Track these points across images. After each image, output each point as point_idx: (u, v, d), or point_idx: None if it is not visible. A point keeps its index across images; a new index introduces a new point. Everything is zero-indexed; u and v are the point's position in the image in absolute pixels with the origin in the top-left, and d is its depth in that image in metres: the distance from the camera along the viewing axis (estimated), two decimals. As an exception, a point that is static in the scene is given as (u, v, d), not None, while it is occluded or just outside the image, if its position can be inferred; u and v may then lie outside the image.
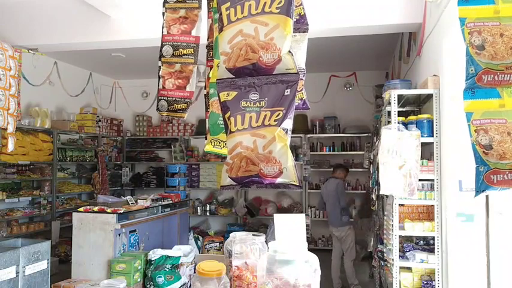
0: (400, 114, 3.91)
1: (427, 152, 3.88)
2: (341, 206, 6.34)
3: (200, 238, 4.58)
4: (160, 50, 3.25)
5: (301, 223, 2.39)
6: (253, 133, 1.91)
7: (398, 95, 3.89)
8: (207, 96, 2.87)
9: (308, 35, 2.62)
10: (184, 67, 3.22)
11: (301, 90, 2.64)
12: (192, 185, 9.15)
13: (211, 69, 2.84)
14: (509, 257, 3.08)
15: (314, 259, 2.15)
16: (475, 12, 2.21)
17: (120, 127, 9.72)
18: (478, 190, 2.19)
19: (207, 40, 2.94)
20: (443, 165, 3.61)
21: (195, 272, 2.82)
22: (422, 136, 3.63)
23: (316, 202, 8.91)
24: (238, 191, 8.88)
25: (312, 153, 8.73)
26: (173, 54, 3.22)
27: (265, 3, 1.89)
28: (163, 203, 5.15)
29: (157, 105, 3.31)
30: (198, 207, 9.05)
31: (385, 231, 4.27)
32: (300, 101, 2.64)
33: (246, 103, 1.92)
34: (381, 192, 3.74)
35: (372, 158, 5.46)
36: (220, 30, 1.99)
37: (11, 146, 4.83)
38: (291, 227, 2.38)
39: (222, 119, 2.02)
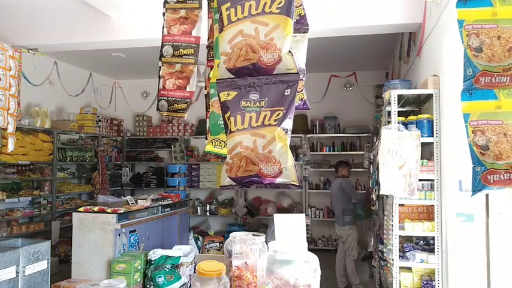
0: (400, 114, 3.91)
1: (427, 152, 3.88)
2: (346, 206, 6.33)
3: (200, 238, 4.58)
4: (161, 50, 3.26)
5: (301, 223, 2.40)
6: (253, 133, 1.91)
7: (398, 95, 3.89)
8: (207, 96, 2.88)
9: (308, 35, 2.62)
10: (184, 67, 3.22)
11: (302, 90, 2.64)
12: (192, 185, 9.15)
13: (211, 69, 2.84)
14: (509, 257, 3.08)
15: (314, 259, 2.15)
16: (473, 15, 2.23)
17: (120, 127, 9.72)
18: (475, 190, 2.23)
19: (208, 40, 2.95)
20: (443, 165, 3.61)
21: (195, 272, 2.82)
22: (422, 136, 3.63)
23: (316, 202, 8.94)
24: (238, 191, 8.89)
25: (312, 153, 8.74)
26: (173, 54, 3.22)
27: (265, 3, 1.89)
28: (163, 203, 5.15)
29: (158, 105, 3.31)
30: (198, 207, 9.04)
31: (385, 231, 4.27)
32: (300, 101, 2.64)
33: (246, 103, 1.92)
34: (381, 192, 3.74)
35: (372, 158, 5.46)
36: (221, 30, 1.99)
37: (11, 146, 4.83)
38: (291, 227, 2.38)
39: (222, 119, 2.02)
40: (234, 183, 1.96)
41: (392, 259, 3.77)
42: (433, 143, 3.72)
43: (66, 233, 6.78)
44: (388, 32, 5.32)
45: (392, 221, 3.79)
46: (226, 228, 8.39)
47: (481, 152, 2.22)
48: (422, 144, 3.63)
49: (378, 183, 4.07)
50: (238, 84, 1.93)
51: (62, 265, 6.41)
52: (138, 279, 3.55)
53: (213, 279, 2.14)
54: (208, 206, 9.08)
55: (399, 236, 3.77)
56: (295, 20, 2.23)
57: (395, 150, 3.55)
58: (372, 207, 5.63)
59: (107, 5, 5.15)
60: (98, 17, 5.40)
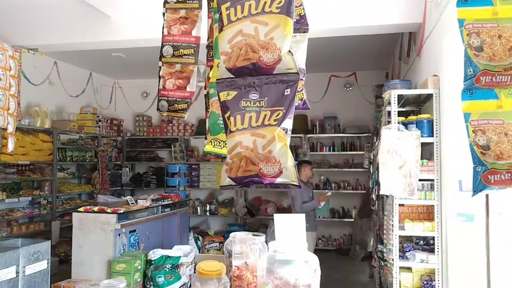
0: (400, 114, 3.91)
1: (427, 152, 3.88)
2: (297, 213, 5.49)
3: (200, 238, 4.57)
4: (161, 50, 3.25)
5: (301, 223, 2.40)
6: (253, 133, 1.91)
7: (398, 95, 3.89)
8: (207, 96, 2.87)
9: (308, 35, 2.62)
10: (184, 67, 3.22)
11: (301, 90, 2.64)
12: (192, 185, 9.15)
13: (211, 69, 2.84)
14: (509, 257, 3.08)
15: (314, 259, 2.15)
16: (473, 14, 2.23)
17: (120, 127, 9.72)
18: (476, 190, 2.22)
19: (207, 40, 2.94)
20: (443, 165, 3.61)
21: (195, 272, 2.82)
22: (422, 136, 3.63)
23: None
24: (238, 191, 8.88)
25: (312, 153, 8.73)
26: (173, 54, 3.22)
27: (265, 3, 1.89)
28: (163, 203, 5.14)
29: (158, 105, 3.31)
30: (198, 207, 9.04)
31: (385, 231, 4.27)
32: (300, 101, 2.64)
33: (246, 103, 1.92)
34: (381, 192, 3.74)
35: (372, 158, 5.46)
36: (220, 30, 1.99)
37: (11, 146, 4.83)
38: (291, 227, 2.38)
39: (222, 118, 2.02)
40: (234, 183, 1.96)
41: (392, 259, 3.77)
42: (433, 143, 3.72)
43: (66, 233, 6.77)
44: (388, 32, 5.32)
45: (392, 221, 3.79)
46: (226, 228, 8.39)
47: (481, 152, 2.21)
48: (422, 144, 3.63)
49: (378, 183, 4.07)
50: (238, 84, 1.93)
51: (62, 265, 6.41)
52: (138, 279, 3.55)
53: (213, 279, 2.14)
54: (208, 206, 9.08)
55: (399, 236, 3.77)
56: (295, 20, 2.23)
57: (395, 150, 3.55)
58: (372, 207, 5.62)
59: (107, 5, 5.15)
60: (98, 17, 5.40)
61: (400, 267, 3.76)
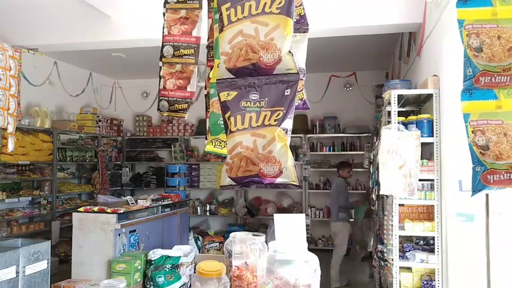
0: (400, 114, 3.91)
1: (427, 152, 3.88)
2: (339, 204, 6.43)
3: (200, 238, 4.57)
4: (161, 51, 3.26)
5: (301, 223, 2.40)
6: (253, 133, 1.91)
7: (398, 95, 3.89)
8: (207, 96, 2.88)
9: (308, 35, 2.62)
10: (185, 67, 3.22)
11: (301, 90, 2.64)
12: (192, 185, 9.15)
13: (211, 69, 2.84)
14: (509, 257, 3.08)
15: (314, 259, 2.15)
16: (473, 14, 2.23)
17: (120, 127, 9.72)
18: (475, 190, 2.23)
19: (208, 40, 2.95)
20: (443, 165, 3.61)
21: (195, 272, 2.82)
22: (422, 136, 3.63)
23: (316, 202, 8.93)
24: (238, 191, 8.88)
25: (312, 153, 8.74)
26: (174, 54, 3.22)
27: (265, 3, 1.89)
28: (163, 203, 5.15)
29: (158, 106, 3.31)
30: (198, 207, 9.04)
31: (385, 231, 4.27)
32: (300, 101, 2.64)
33: (246, 103, 1.92)
34: (381, 192, 3.74)
35: (372, 158, 5.46)
36: (221, 30, 1.99)
37: (11, 146, 4.83)
38: (291, 227, 2.38)
39: (222, 119, 2.02)
40: (234, 183, 1.96)
41: (392, 259, 3.77)
42: (433, 143, 3.72)
43: (66, 233, 6.77)
44: (388, 32, 5.32)
45: (392, 221, 3.79)
46: (226, 228, 8.39)
47: (481, 152, 2.22)
48: (422, 144, 3.63)
49: (378, 183, 4.07)
50: (238, 84, 1.93)
51: (62, 265, 6.42)
52: (138, 279, 3.55)
53: (213, 279, 2.14)
54: (208, 206, 9.08)
55: (399, 236, 3.77)
56: (295, 20, 2.23)
57: (395, 150, 3.55)
58: (371, 207, 5.63)
59: (107, 5, 5.15)
60: (98, 17, 5.40)
61: (400, 267, 3.76)
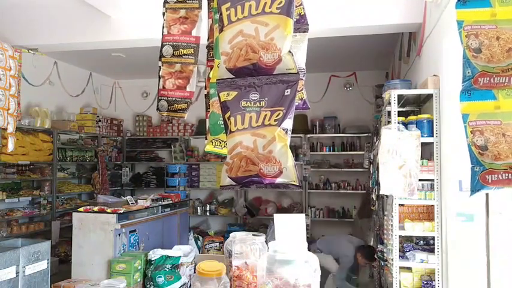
0: (400, 114, 3.91)
1: (427, 152, 3.88)
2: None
3: (200, 238, 4.58)
4: (161, 50, 3.26)
5: (301, 223, 2.40)
6: (253, 133, 1.91)
7: (398, 95, 3.89)
8: (207, 96, 2.88)
9: (308, 35, 2.62)
10: (184, 67, 3.22)
11: (301, 90, 2.64)
12: (192, 185, 9.15)
13: (211, 69, 2.84)
14: (509, 257, 3.08)
15: (314, 259, 2.15)
16: (472, 15, 2.24)
17: (120, 127, 9.72)
18: (473, 190, 2.24)
19: (207, 40, 2.95)
20: (443, 165, 3.61)
21: (195, 272, 2.82)
22: (422, 136, 3.63)
23: (316, 202, 8.92)
24: (238, 191, 8.88)
25: (312, 153, 8.73)
26: (173, 54, 3.22)
27: (265, 3, 1.89)
28: (163, 203, 5.15)
29: (158, 105, 3.31)
30: (198, 207, 9.04)
31: (385, 231, 4.27)
32: (300, 101, 2.64)
33: (246, 103, 1.92)
34: (381, 192, 3.74)
35: (372, 158, 5.46)
36: (221, 30, 1.99)
37: (11, 146, 4.83)
38: (291, 227, 2.38)
39: (222, 119, 2.02)
40: (234, 183, 1.96)
41: (392, 259, 3.77)
42: (433, 143, 3.72)
43: (66, 233, 6.77)
44: (388, 32, 5.32)
45: (392, 221, 3.79)
46: (226, 228, 8.39)
47: (479, 152, 2.22)
48: (422, 144, 3.63)
49: (378, 183, 4.07)
50: (238, 84, 1.93)
51: (62, 265, 6.41)
52: (138, 279, 3.55)
53: (213, 279, 2.15)
54: (208, 206, 9.07)
55: (399, 236, 3.77)
56: (295, 20, 2.23)
57: (395, 150, 3.55)
58: (372, 207, 5.63)
59: (107, 5, 5.15)
60: (98, 17, 5.40)
61: (400, 267, 3.76)
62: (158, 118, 9.71)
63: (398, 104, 3.89)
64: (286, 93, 1.88)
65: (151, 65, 5.01)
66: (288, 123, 1.90)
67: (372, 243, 6.28)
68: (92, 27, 5.49)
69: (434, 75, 3.79)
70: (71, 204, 7.77)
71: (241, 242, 2.55)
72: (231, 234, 2.80)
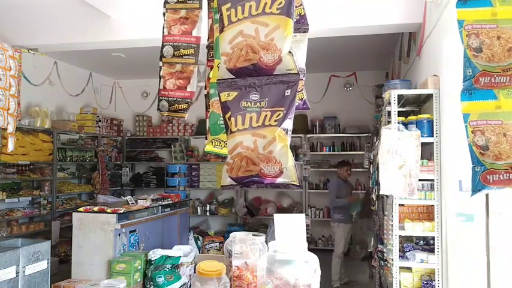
0: (400, 114, 3.91)
1: (427, 152, 3.89)
2: (331, 205, 6.65)
3: (200, 238, 4.57)
4: (161, 51, 3.26)
5: (301, 223, 2.40)
6: (253, 133, 1.91)
7: (398, 95, 3.89)
8: (207, 96, 2.88)
9: (308, 35, 2.62)
10: (185, 67, 3.22)
11: (301, 90, 2.64)
12: (192, 185, 9.15)
13: (211, 69, 2.84)
14: (509, 257, 3.08)
15: (314, 259, 2.15)
16: (473, 15, 2.23)
17: (120, 127, 9.72)
18: (475, 190, 2.24)
19: (208, 40, 2.95)
20: (443, 165, 3.61)
21: (195, 272, 2.82)
22: (422, 136, 3.63)
23: (316, 202, 8.93)
24: (238, 191, 8.89)
25: (312, 153, 8.74)
26: (174, 54, 3.22)
27: (265, 4, 1.89)
28: (163, 203, 5.14)
29: (158, 106, 3.31)
30: (198, 207, 9.05)
31: (385, 231, 4.27)
32: (300, 101, 2.64)
33: (247, 103, 1.92)
34: (381, 192, 3.75)
35: (372, 158, 5.46)
36: (221, 30, 1.99)
37: (11, 146, 4.83)
38: (291, 227, 2.38)
39: (222, 119, 2.02)
40: (235, 183, 1.96)
41: (392, 259, 3.77)
42: (433, 143, 3.72)
43: (66, 233, 6.77)
44: (388, 32, 5.32)
45: (392, 221, 3.79)
46: (226, 228, 8.39)
47: (480, 152, 2.22)
48: (422, 144, 3.63)
49: (378, 183, 4.07)
50: (239, 85, 1.93)
51: (62, 265, 6.41)
52: (138, 279, 3.55)
53: (213, 279, 2.15)
54: (208, 206, 9.08)
55: (399, 236, 3.77)
56: (295, 20, 2.23)
57: (395, 150, 3.55)
58: (372, 207, 5.63)
59: (107, 5, 5.15)
60: (98, 17, 5.40)
61: (400, 267, 3.76)
62: (158, 118, 9.71)
63: (398, 104, 3.89)
64: (286, 94, 1.89)
65: (151, 65, 5.02)
66: (288, 124, 1.90)
67: (372, 244, 6.28)
68: (92, 27, 5.49)
69: (434, 75, 3.79)
70: (71, 204, 7.78)
71: (241, 242, 2.54)
72: (231, 234, 2.80)
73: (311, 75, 5.59)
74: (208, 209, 9.05)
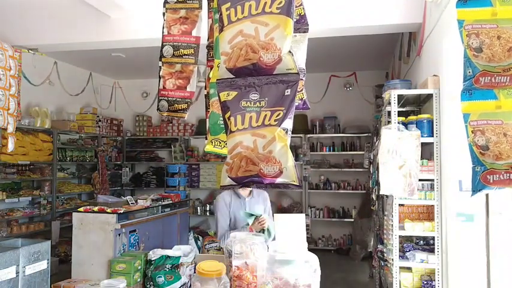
0: (400, 114, 3.91)
1: (427, 152, 3.88)
2: None
3: (200, 238, 4.57)
4: (161, 50, 3.25)
5: (301, 223, 2.40)
6: (253, 133, 1.91)
7: (398, 95, 3.89)
8: (207, 96, 2.87)
9: (308, 35, 2.62)
10: (184, 67, 3.22)
11: (301, 90, 2.64)
12: (192, 185, 9.15)
13: (211, 69, 2.84)
14: (509, 257, 3.08)
15: (314, 259, 2.15)
16: (473, 15, 2.23)
17: (120, 127, 9.72)
18: (475, 190, 2.24)
19: (207, 40, 2.94)
20: (443, 165, 3.61)
21: (195, 272, 2.82)
22: (422, 136, 3.63)
23: (316, 202, 8.92)
24: (238, 191, 8.86)
25: (312, 153, 8.74)
26: (174, 54, 3.22)
27: (265, 3, 1.89)
28: (163, 203, 5.15)
29: (158, 106, 3.31)
30: (198, 207, 9.05)
31: (385, 231, 4.27)
32: (300, 101, 2.64)
33: (246, 103, 1.92)
34: (381, 192, 3.74)
35: (372, 158, 5.46)
36: (221, 30, 1.99)
37: (11, 146, 4.83)
38: (291, 227, 2.38)
39: (222, 119, 2.02)
40: (234, 183, 1.96)
41: (392, 259, 3.77)
42: (433, 143, 3.72)
43: (66, 233, 6.77)
44: (388, 32, 5.32)
45: (392, 221, 3.79)
46: (226, 228, 8.37)
47: (480, 152, 2.22)
48: (422, 144, 3.63)
49: (378, 183, 4.07)
50: (238, 84, 1.93)
51: (62, 265, 6.41)
52: (138, 279, 3.55)
53: (213, 279, 2.14)
54: (208, 206, 9.08)
55: (399, 236, 3.77)
56: (295, 20, 2.23)
57: (395, 150, 3.55)
58: (372, 207, 5.63)
59: (107, 5, 5.15)
60: (98, 17, 5.40)
61: (400, 267, 3.76)
62: (158, 118, 9.71)
63: (398, 104, 3.89)
64: (286, 93, 1.88)
65: (151, 65, 5.02)
66: (288, 123, 1.89)
67: (372, 244, 6.28)
68: (92, 27, 5.49)
69: (434, 75, 3.79)
70: (71, 204, 7.78)
71: (241, 242, 2.54)
72: (231, 234, 2.80)
73: (311, 75, 5.59)
74: (208, 209, 9.05)
